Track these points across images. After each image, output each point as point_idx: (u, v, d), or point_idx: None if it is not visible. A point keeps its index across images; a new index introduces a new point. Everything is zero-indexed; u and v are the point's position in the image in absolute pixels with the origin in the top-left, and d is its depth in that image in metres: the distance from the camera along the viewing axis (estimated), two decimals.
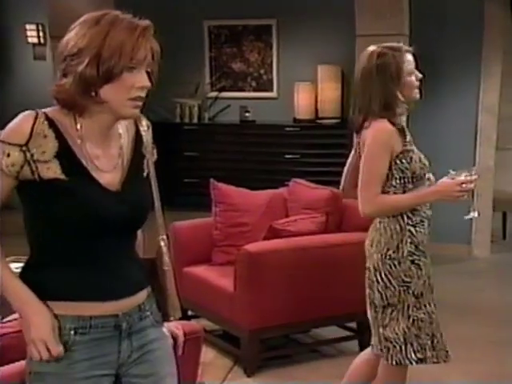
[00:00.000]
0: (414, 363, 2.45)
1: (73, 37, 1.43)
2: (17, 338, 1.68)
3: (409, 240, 2.40)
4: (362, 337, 3.71)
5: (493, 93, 5.53)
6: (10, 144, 1.40)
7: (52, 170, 1.41)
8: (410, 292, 2.40)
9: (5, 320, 1.87)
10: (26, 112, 1.43)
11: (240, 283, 3.30)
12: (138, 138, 1.58)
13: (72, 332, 1.45)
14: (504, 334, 3.98)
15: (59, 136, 1.42)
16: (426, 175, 2.46)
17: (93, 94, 1.42)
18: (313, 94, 6.29)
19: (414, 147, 2.45)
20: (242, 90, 6.66)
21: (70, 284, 1.46)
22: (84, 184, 1.44)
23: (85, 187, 1.44)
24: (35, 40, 6.77)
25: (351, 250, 2.92)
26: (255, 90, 6.62)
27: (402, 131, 2.42)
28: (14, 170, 1.41)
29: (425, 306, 2.43)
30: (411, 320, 2.41)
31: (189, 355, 1.69)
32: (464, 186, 2.36)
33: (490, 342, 3.85)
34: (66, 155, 1.42)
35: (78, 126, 1.46)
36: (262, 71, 6.54)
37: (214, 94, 6.69)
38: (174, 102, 6.52)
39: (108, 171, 1.49)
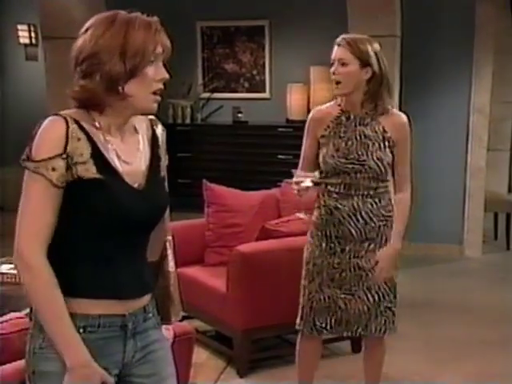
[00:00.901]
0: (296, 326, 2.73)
1: (89, 38, 1.45)
2: (7, 340, 1.68)
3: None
4: (354, 337, 3.72)
5: (484, 93, 5.56)
6: (50, 158, 1.39)
7: (90, 171, 1.42)
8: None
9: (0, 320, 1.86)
10: (52, 119, 1.42)
11: (232, 284, 3.30)
12: (154, 140, 1.61)
13: (81, 330, 1.45)
14: (496, 333, 4.00)
15: (89, 137, 1.44)
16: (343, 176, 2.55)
17: (120, 90, 1.45)
18: (305, 94, 6.30)
19: (330, 143, 2.55)
20: (234, 90, 6.67)
21: (86, 281, 1.47)
22: (115, 182, 1.46)
23: (115, 185, 1.46)
24: (27, 40, 6.75)
25: None
26: (248, 91, 6.62)
27: (337, 121, 2.57)
28: (63, 179, 1.41)
29: (301, 279, 2.69)
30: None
31: (181, 356, 1.70)
32: (298, 185, 2.48)
33: (482, 341, 3.87)
34: (98, 155, 1.45)
35: (97, 124, 1.47)
36: (254, 72, 6.55)
37: (206, 94, 6.69)
38: (166, 103, 6.51)
39: (130, 162, 1.51)
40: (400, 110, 4.95)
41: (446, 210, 5.73)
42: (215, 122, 6.70)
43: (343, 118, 2.56)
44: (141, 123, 1.59)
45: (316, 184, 2.51)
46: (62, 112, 1.45)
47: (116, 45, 1.43)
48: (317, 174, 2.55)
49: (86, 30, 1.47)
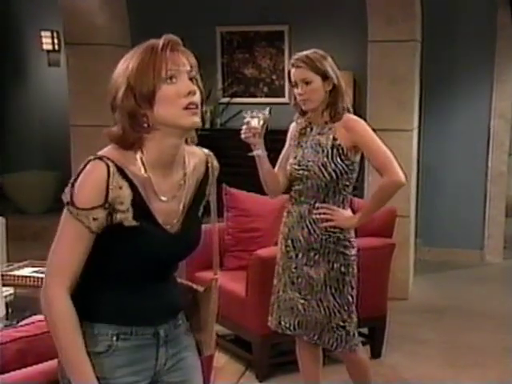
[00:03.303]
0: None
1: (111, 83, 1.46)
2: (31, 342, 1.70)
3: None
4: (374, 342, 3.71)
5: (506, 98, 5.53)
6: (92, 209, 1.39)
7: (128, 219, 1.43)
8: None
9: (20, 324, 1.89)
10: (94, 163, 1.40)
11: (252, 288, 3.31)
12: (204, 179, 1.60)
13: (114, 338, 1.48)
14: None
15: (131, 184, 1.43)
16: (304, 181, 2.63)
17: (145, 125, 1.43)
18: None
19: (293, 153, 2.70)
20: (253, 95, 6.68)
21: (117, 312, 1.49)
22: (150, 227, 1.47)
23: (150, 231, 1.47)
24: (50, 47, 6.83)
25: (362, 255, 2.92)
26: (267, 96, 6.63)
27: (301, 131, 2.70)
28: (101, 227, 1.42)
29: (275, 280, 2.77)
30: None
31: (202, 360, 1.71)
32: (248, 125, 2.60)
33: (504, 348, 3.83)
34: (138, 202, 1.44)
35: (139, 161, 1.45)
36: (273, 77, 6.56)
37: (226, 99, 6.71)
38: None
39: (168, 200, 1.50)
40: (420, 113, 4.97)
41: (466, 215, 5.69)
42: (235, 126, 6.70)
43: (308, 129, 2.69)
44: (194, 158, 1.57)
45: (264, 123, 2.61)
46: (104, 153, 1.43)
47: (122, 79, 1.42)
48: (267, 111, 2.63)
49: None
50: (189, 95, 1.43)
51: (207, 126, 6.70)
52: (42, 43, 6.84)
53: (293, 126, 2.79)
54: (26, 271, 3.41)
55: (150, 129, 1.44)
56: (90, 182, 1.40)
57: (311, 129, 2.68)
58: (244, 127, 2.62)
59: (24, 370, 1.64)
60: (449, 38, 5.52)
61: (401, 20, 4.43)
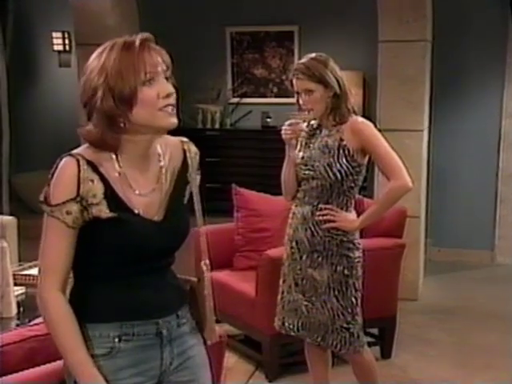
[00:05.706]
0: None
1: (85, 80, 1.46)
2: (43, 341, 1.71)
3: None
4: (384, 343, 3.71)
5: None
6: (64, 203, 1.42)
7: (103, 211, 1.44)
8: None
9: (31, 323, 1.91)
10: (65, 160, 1.44)
11: (261, 288, 3.32)
12: (184, 165, 1.61)
13: (116, 339, 1.48)
14: None
15: (102, 178, 1.45)
16: (310, 181, 2.64)
17: (121, 125, 1.44)
18: None
19: (301, 153, 2.69)
20: (263, 95, 6.69)
21: (111, 308, 1.50)
22: (130, 218, 1.47)
23: (131, 221, 1.47)
24: (61, 47, 6.87)
25: (371, 256, 2.92)
26: (277, 96, 6.64)
27: (311, 133, 2.71)
28: (78, 221, 1.44)
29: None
30: None
31: (212, 360, 1.71)
32: (292, 126, 2.64)
33: None
34: (111, 195, 1.46)
35: (113, 157, 1.47)
36: (283, 77, 6.56)
37: (235, 99, 6.72)
38: (196, 108, 6.57)
39: (146, 194, 1.51)
40: (430, 114, 4.95)
41: (477, 215, 5.66)
42: (244, 126, 6.73)
43: (318, 131, 2.70)
44: (169, 147, 1.58)
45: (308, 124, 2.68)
46: (76, 151, 1.46)
47: (100, 79, 1.42)
48: (311, 114, 2.65)
49: (84, 74, 1.47)
50: (166, 98, 1.45)
51: (217, 126, 6.71)
52: (52, 44, 6.88)
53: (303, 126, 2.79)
54: (38, 271, 3.43)
55: (126, 129, 1.45)
56: (62, 178, 1.43)
57: (320, 131, 2.69)
58: (287, 128, 2.67)
59: (32, 369, 1.64)
60: (459, 37, 5.49)
61: (412, 20, 4.42)
